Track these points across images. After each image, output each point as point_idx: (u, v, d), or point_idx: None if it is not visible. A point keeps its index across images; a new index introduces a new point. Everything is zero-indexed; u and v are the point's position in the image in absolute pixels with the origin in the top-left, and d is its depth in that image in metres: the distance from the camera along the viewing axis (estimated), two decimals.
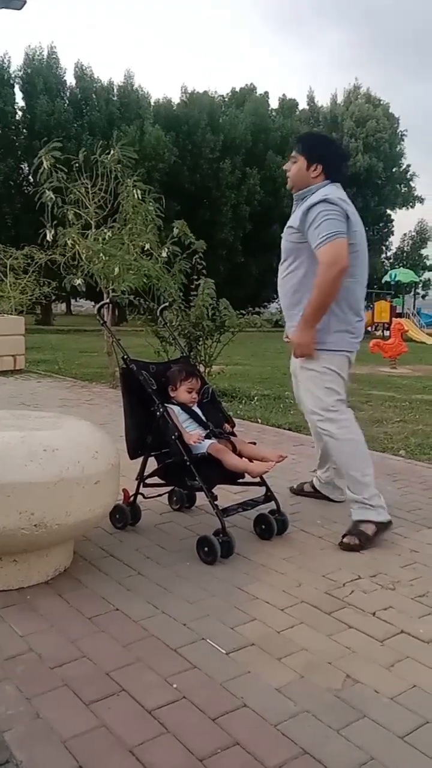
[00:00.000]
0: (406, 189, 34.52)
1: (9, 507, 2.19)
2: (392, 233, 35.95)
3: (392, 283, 26.10)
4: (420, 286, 33.41)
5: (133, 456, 3.02)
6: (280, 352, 13.94)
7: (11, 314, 10.08)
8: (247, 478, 2.97)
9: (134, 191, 7.40)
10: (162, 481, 3.06)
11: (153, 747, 1.57)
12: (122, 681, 1.83)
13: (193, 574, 2.55)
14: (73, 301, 33.20)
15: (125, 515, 3.01)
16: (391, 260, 35.96)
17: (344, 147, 3.43)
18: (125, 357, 3.02)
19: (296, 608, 2.30)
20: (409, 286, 28.99)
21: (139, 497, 3.05)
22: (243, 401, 6.79)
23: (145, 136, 24.76)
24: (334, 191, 2.95)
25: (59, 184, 7.30)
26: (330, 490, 3.52)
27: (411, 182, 34.64)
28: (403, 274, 26.35)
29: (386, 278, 26.79)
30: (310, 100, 34.23)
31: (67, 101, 25.48)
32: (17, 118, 25.46)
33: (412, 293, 31.53)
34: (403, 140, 33.76)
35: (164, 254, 7.41)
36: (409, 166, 34.36)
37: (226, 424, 3.09)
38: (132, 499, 3.03)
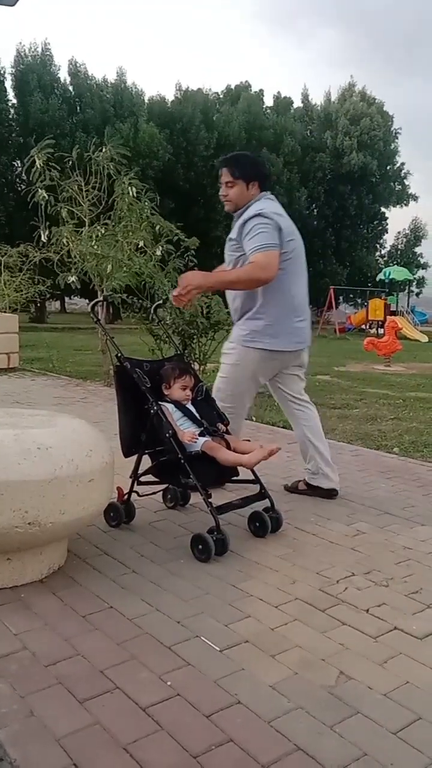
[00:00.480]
0: (400, 187, 34.55)
1: (2, 505, 2.18)
2: (386, 231, 36.00)
3: (386, 281, 26.12)
4: (414, 284, 33.45)
5: (127, 454, 3.02)
6: None
7: (5, 312, 10.05)
8: (242, 476, 2.98)
9: (129, 189, 7.38)
10: (156, 479, 3.06)
11: (147, 744, 1.57)
12: (116, 679, 1.83)
13: (187, 572, 2.55)
14: (67, 299, 33.13)
15: (119, 513, 3.01)
16: (385, 258, 36.00)
17: (261, 157, 3.94)
18: (119, 355, 3.02)
19: (290, 605, 2.30)
20: (403, 284, 29.00)
21: (134, 495, 3.05)
22: None
23: (140, 133, 24.71)
24: (269, 205, 3.27)
25: (52, 182, 7.28)
26: (321, 479, 3.56)
27: (405, 180, 34.68)
28: (398, 272, 26.36)
29: (380, 276, 26.81)
30: (305, 97, 34.19)
31: (60, 98, 25.38)
32: (10, 115, 25.35)
33: (406, 291, 31.55)
34: (397, 138, 33.78)
35: (158, 252, 7.41)
36: (403, 164, 34.40)
37: (220, 423, 3.09)
38: (126, 497, 3.03)
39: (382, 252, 36.56)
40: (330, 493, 3.52)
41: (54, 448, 2.31)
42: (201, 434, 2.92)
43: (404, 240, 36.38)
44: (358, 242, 33.21)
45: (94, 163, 7.49)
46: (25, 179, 23.32)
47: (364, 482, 3.93)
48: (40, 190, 7.21)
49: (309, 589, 2.44)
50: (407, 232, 36.38)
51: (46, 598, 2.31)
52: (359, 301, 32.05)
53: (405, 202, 34.78)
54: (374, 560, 2.73)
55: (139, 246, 7.33)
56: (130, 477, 3.03)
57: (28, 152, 7.74)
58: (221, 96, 30.66)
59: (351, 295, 32.81)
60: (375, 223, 34.99)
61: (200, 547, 2.66)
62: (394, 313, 22.58)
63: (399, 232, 36.81)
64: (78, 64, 26.62)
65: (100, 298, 3.51)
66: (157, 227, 7.50)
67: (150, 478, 3.04)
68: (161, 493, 3.29)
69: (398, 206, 34.92)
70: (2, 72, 25.11)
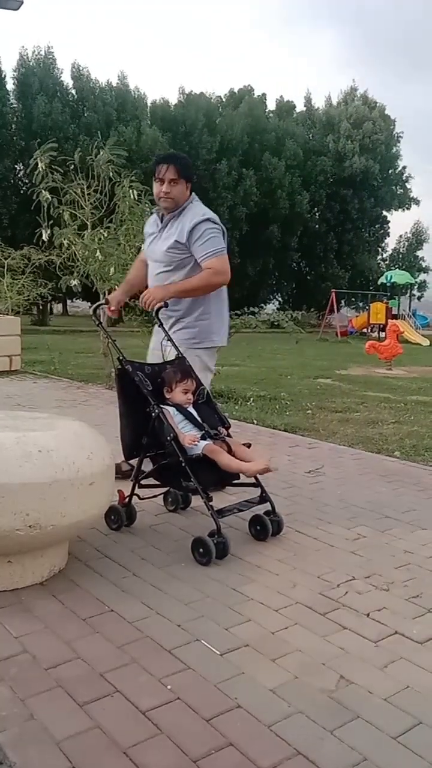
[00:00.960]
0: (402, 191, 34.57)
1: (3, 508, 2.19)
2: (388, 235, 36.00)
3: (388, 284, 26.11)
4: (416, 287, 33.45)
5: (128, 457, 3.03)
6: (276, 353, 13.97)
7: (7, 314, 10.07)
8: (243, 479, 2.98)
9: (130, 192, 7.40)
10: (157, 482, 3.06)
11: (147, 748, 1.57)
12: (116, 682, 1.83)
13: (188, 575, 2.55)
14: (69, 302, 33.17)
15: (120, 516, 3.01)
16: (386, 262, 35.99)
17: None
18: (121, 358, 3.02)
19: (290, 609, 2.30)
20: (404, 287, 29.00)
21: (135, 498, 3.05)
22: (239, 402, 6.80)
23: (142, 137, 24.75)
24: (207, 209, 3.41)
25: (55, 185, 7.30)
26: None
27: (407, 184, 34.70)
28: (399, 276, 26.36)
29: (382, 280, 26.79)
30: (307, 101, 34.23)
31: (63, 102, 25.43)
32: (13, 118, 25.41)
33: (408, 295, 31.55)
34: (399, 142, 33.81)
35: None
36: (405, 167, 34.41)
37: (221, 426, 3.08)
38: (127, 500, 3.03)
39: (384, 255, 36.57)
40: None
41: (55, 451, 2.32)
42: (202, 437, 2.91)
43: (406, 243, 36.38)
44: (359, 246, 33.22)
45: (95, 166, 7.52)
46: (27, 182, 23.41)
47: (365, 486, 3.93)
48: (43, 191, 7.23)
49: (309, 592, 2.44)
50: (409, 235, 36.40)
51: (47, 600, 2.31)
52: (361, 304, 32.06)
53: (407, 206, 34.80)
54: (375, 564, 2.73)
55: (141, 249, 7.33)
56: (131, 480, 3.03)
57: (30, 156, 7.76)
58: (224, 100, 30.70)
59: (353, 299, 32.83)
60: (377, 226, 35.00)
61: (201, 550, 2.66)
62: (395, 317, 22.56)
63: (401, 236, 36.83)
64: (81, 68, 26.69)
65: (103, 301, 3.51)
66: None
67: (151, 481, 3.04)
68: (162, 496, 3.29)
69: (400, 210, 34.94)
70: (6, 77, 25.19)
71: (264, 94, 31.17)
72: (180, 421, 2.96)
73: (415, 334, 21.75)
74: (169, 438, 2.80)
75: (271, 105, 31.62)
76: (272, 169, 28.28)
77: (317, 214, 31.89)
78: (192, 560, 2.68)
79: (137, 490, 3.04)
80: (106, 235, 7.35)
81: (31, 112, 24.52)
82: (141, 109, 27.29)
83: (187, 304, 3.37)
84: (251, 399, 7.01)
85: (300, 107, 33.36)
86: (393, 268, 32.62)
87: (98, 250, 7.10)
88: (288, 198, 28.58)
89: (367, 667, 1.96)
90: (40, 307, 22.90)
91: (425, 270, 36.05)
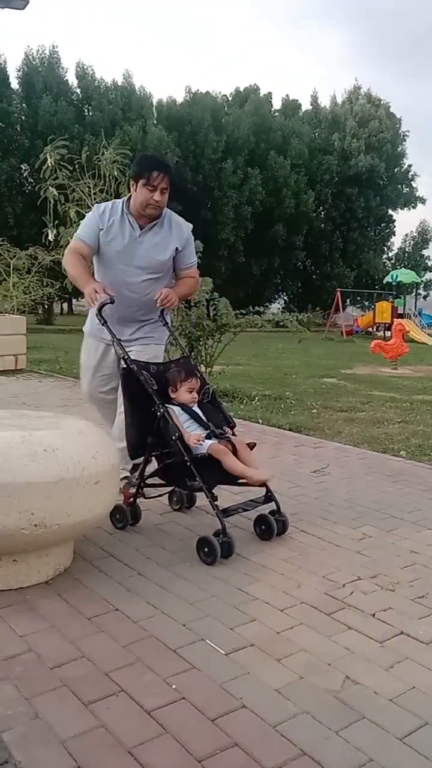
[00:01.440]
0: (407, 189, 34.48)
1: (9, 507, 2.19)
2: (394, 234, 35.93)
3: (393, 283, 26.05)
4: (421, 286, 33.36)
5: (133, 456, 3.02)
6: (282, 353, 13.95)
7: (13, 314, 10.09)
8: None
9: None
10: (162, 482, 3.05)
11: (152, 747, 1.57)
12: (121, 681, 1.83)
13: (193, 575, 2.55)
14: (74, 301, 33.24)
15: (125, 515, 3.01)
16: (392, 261, 35.91)
17: None
18: (125, 357, 3.02)
19: (296, 609, 2.30)
20: (410, 286, 28.94)
21: (139, 497, 3.05)
22: (244, 401, 6.79)
23: (148, 136, 24.77)
24: None
25: (62, 182, 7.31)
26: None
27: (413, 182, 34.61)
28: (405, 275, 26.29)
29: (387, 279, 26.73)
30: (314, 100, 34.18)
31: (68, 101, 25.46)
32: (19, 118, 25.46)
33: (414, 294, 31.48)
34: (404, 141, 33.72)
35: None
36: (410, 166, 34.33)
37: (226, 426, 3.08)
38: (132, 499, 3.03)
39: (390, 255, 36.50)
40: None
41: (60, 450, 2.32)
42: (207, 437, 2.91)
43: (411, 242, 36.31)
44: (365, 245, 33.16)
45: (101, 165, 7.52)
46: (32, 182, 23.45)
47: (371, 485, 3.92)
48: (51, 187, 7.24)
49: (315, 592, 2.43)
50: (415, 234, 36.33)
51: (52, 599, 2.31)
52: (366, 303, 32.02)
53: (413, 204, 34.72)
54: (380, 564, 2.72)
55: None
56: (136, 479, 3.03)
57: (36, 155, 7.79)
58: (229, 99, 30.68)
59: (358, 298, 32.79)
60: (382, 225, 34.93)
61: (206, 549, 2.66)
62: (401, 316, 22.50)
63: (406, 235, 36.77)
64: (85, 67, 26.73)
65: (107, 299, 3.51)
66: None
67: (156, 480, 3.04)
68: (167, 495, 3.29)
69: (406, 209, 34.86)
70: (14, 77, 25.26)
71: (270, 93, 31.16)
72: (185, 420, 2.96)
73: (421, 334, 21.70)
74: (174, 437, 2.79)
75: (276, 104, 31.59)
76: (278, 168, 28.25)
77: (323, 213, 31.85)
78: (197, 559, 2.67)
79: (142, 489, 3.03)
80: None
81: (36, 111, 24.58)
82: (146, 108, 27.32)
83: (153, 306, 3.34)
84: (256, 398, 7.01)
85: (305, 106, 33.33)
86: (399, 267, 32.57)
87: None
88: (293, 197, 28.54)
89: (373, 667, 1.96)
90: (46, 307, 22.94)
91: (431, 269, 35.95)
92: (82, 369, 3.62)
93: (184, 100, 28.39)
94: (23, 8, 9.36)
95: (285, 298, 34.47)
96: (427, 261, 35.93)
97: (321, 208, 31.53)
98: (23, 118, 25.61)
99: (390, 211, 34.60)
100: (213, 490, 2.80)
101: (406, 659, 2.00)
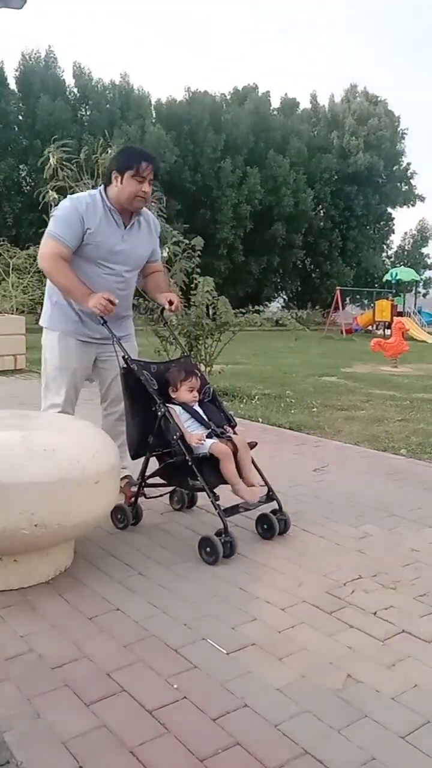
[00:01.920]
0: (407, 187, 34.42)
1: (9, 507, 2.19)
2: (393, 232, 35.84)
3: (393, 281, 26.01)
4: (421, 284, 33.33)
5: (134, 456, 3.01)
6: (282, 351, 13.94)
7: (13, 314, 10.08)
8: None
9: None
10: (164, 481, 3.05)
11: (153, 747, 1.57)
12: (123, 681, 1.83)
13: (194, 574, 2.55)
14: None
15: (127, 515, 3.00)
16: (392, 259, 35.86)
17: None
18: (126, 357, 3.01)
19: (297, 608, 2.29)
20: (410, 284, 28.88)
21: (141, 497, 3.04)
22: (244, 400, 6.79)
23: (146, 135, 24.73)
24: None
25: (64, 184, 7.31)
26: None
27: (412, 180, 34.55)
28: (404, 273, 26.25)
29: (387, 277, 26.68)
30: (313, 98, 34.11)
31: (66, 101, 25.43)
32: (17, 118, 25.43)
33: (413, 292, 31.43)
34: (403, 138, 33.66)
35: (165, 253, 7.41)
36: (409, 164, 34.25)
37: (227, 425, 3.07)
38: (134, 499, 3.03)
39: (389, 253, 36.42)
40: None
41: (60, 450, 2.32)
42: (208, 436, 2.91)
43: (411, 241, 36.24)
44: (364, 243, 33.10)
45: (100, 165, 7.52)
46: (31, 182, 23.42)
47: (372, 484, 3.91)
48: (50, 191, 7.24)
49: (316, 591, 2.43)
50: (414, 232, 36.27)
51: (53, 599, 2.31)
52: (366, 302, 31.96)
53: (412, 202, 34.66)
54: (382, 563, 2.72)
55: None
56: (138, 479, 3.03)
57: (34, 155, 7.80)
58: (228, 98, 30.64)
59: (357, 296, 32.72)
60: (381, 223, 34.87)
61: (208, 549, 2.66)
62: (400, 314, 22.48)
63: (406, 233, 36.67)
64: (82, 66, 26.68)
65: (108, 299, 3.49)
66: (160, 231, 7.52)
67: (158, 480, 3.03)
68: (168, 495, 3.28)
69: (405, 207, 34.81)
70: (11, 76, 25.21)
71: (268, 92, 31.09)
72: (186, 419, 2.95)
73: (421, 332, 21.67)
74: (175, 437, 2.79)
75: (275, 103, 31.54)
76: (277, 166, 28.20)
77: (322, 211, 31.80)
78: (198, 559, 2.67)
79: (143, 489, 3.03)
80: None
81: (34, 111, 24.53)
82: (145, 107, 27.27)
83: (130, 301, 3.39)
84: (256, 397, 7.00)
85: (304, 104, 33.26)
86: (398, 265, 32.51)
87: None
88: (292, 195, 28.49)
89: (375, 665, 1.95)
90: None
91: (430, 267, 35.90)
92: (56, 371, 3.25)
93: (183, 100, 28.36)
94: (21, 7, 9.33)
95: (284, 296, 34.42)
96: (426, 259, 35.87)
97: (320, 206, 31.48)
98: (21, 117, 25.55)
99: (389, 209, 34.53)
100: (215, 490, 2.79)
101: (407, 657, 2.00)
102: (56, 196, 7.30)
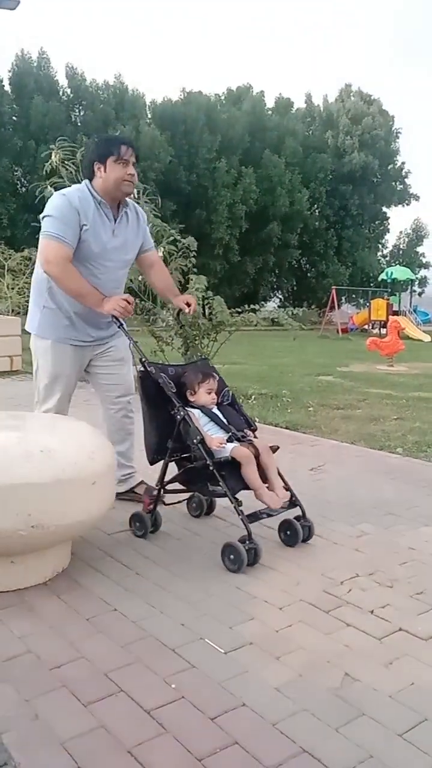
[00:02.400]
0: (401, 186, 34.48)
1: (6, 508, 2.18)
2: (388, 231, 35.88)
3: (388, 281, 26.06)
4: (416, 283, 33.38)
5: (153, 461, 2.92)
6: (278, 351, 13.94)
7: (8, 315, 10.07)
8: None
9: None
10: (183, 487, 2.96)
11: (152, 747, 1.57)
12: (121, 681, 1.83)
13: (192, 574, 2.55)
14: None
15: (145, 523, 2.91)
16: (387, 258, 35.91)
17: None
18: (143, 360, 2.92)
19: (294, 607, 2.30)
20: (405, 283, 28.92)
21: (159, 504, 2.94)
22: (240, 400, 6.78)
23: (141, 135, 24.72)
24: None
25: (65, 183, 7.30)
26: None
27: (406, 179, 34.60)
28: (400, 272, 26.28)
29: (382, 276, 26.73)
30: (308, 98, 34.15)
31: (60, 101, 25.40)
32: (13, 118, 25.39)
33: (409, 291, 31.47)
34: (398, 138, 33.72)
35: (160, 253, 7.41)
36: (404, 163, 34.30)
37: (247, 428, 2.99)
38: (152, 506, 2.93)
39: (384, 252, 36.47)
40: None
41: (57, 451, 2.32)
42: (228, 440, 2.83)
43: (406, 239, 36.29)
44: (359, 242, 33.15)
45: None
46: (26, 183, 23.38)
47: (368, 483, 3.92)
48: (49, 187, 7.24)
49: (313, 590, 2.43)
50: (409, 231, 36.32)
51: (50, 600, 2.31)
52: (361, 301, 31.98)
53: (407, 201, 34.72)
54: (378, 561, 2.72)
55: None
56: (156, 485, 2.94)
57: (28, 156, 7.79)
58: (223, 98, 30.64)
59: (353, 295, 32.74)
60: (376, 223, 34.92)
61: (231, 557, 2.56)
62: (396, 313, 22.51)
63: (401, 232, 36.71)
64: (75, 68, 26.65)
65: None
66: (156, 230, 7.51)
67: (175, 486, 2.95)
68: (185, 501, 3.20)
69: (400, 206, 34.86)
70: (4, 77, 25.18)
71: (262, 92, 31.11)
72: (205, 423, 2.87)
73: (417, 331, 21.71)
74: (195, 441, 2.70)
75: (269, 103, 31.56)
76: (272, 166, 28.22)
77: (317, 211, 31.82)
78: (195, 559, 2.67)
79: (162, 496, 2.94)
80: None
81: (28, 112, 24.49)
82: (139, 108, 27.25)
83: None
84: (253, 397, 7.01)
85: (299, 104, 33.29)
86: (393, 264, 32.56)
87: None
88: (288, 195, 28.51)
89: (372, 664, 1.96)
90: None
91: (426, 266, 35.96)
92: (50, 379, 3.15)
93: (178, 100, 28.35)
94: (14, 8, 9.33)
95: (280, 296, 34.44)
96: (421, 258, 35.92)
97: (315, 206, 31.49)
98: (15, 118, 25.50)
99: (384, 209, 34.58)
100: (236, 495, 2.67)
101: (405, 655, 2.01)
102: (54, 191, 7.30)
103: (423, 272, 35.67)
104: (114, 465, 2.60)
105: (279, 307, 29.45)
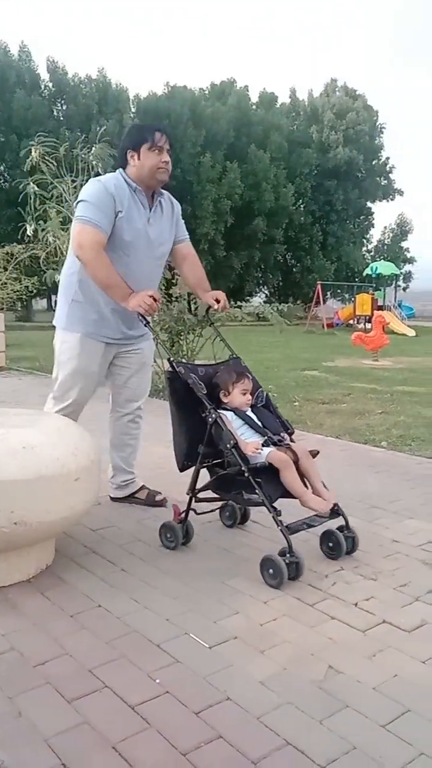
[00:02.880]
0: (386, 182, 34.65)
1: None
2: (373, 226, 36.11)
3: (373, 275, 26.17)
4: (401, 278, 33.57)
5: (182, 468, 2.77)
6: (263, 346, 13.96)
7: None
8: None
9: None
10: (215, 495, 2.79)
11: (136, 742, 1.57)
12: (105, 677, 1.82)
13: (176, 569, 2.55)
14: (53, 297, 32.94)
15: (176, 534, 2.73)
16: (372, 253, 36.10)
17: None
18: (171, 359, 2.77)
19: (278, 600, 2.30)
20: (390, 278, 29.08)
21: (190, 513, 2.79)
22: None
23: (124, 130, 24.64)
24: None
25: (46, 179, 7.24)
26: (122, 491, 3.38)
27: (390, 175, 34.77)
28: (384, 267, 26.39)
29: (367, 271, 26.83)
30: (293, 93, 34.15)
31: (42, 96, 25.19)
32: None
33: (393, 286, 31.66)
34: (382, 133, 33.85)
35: None
36: (388, 158, 34.47)
37: (284, 432, 2.81)
38: (183, 515, 2.76)
39: (369, 247, 36.66)
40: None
41: (39, 448, 2.30)
42: (264, 444, 2.65)
43: (390, 235, 36.51)
44: (344, 237, 33.28)
45: (80, 160, 7.45)
46: (9, 178, 23.18)
47: (353, 476, 3.94)
48: (31, 182, 7.17)
49: (297, 584, 2.44)
50: (393, 226, 36.52)
51: (34, 597, 2.29)
52: (347, 296, 32.13)
53: (391, 196, 34.90)
54: (363, 554, 2.74)
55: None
56: (188, 493, 2.77)
57: (11, 150, 7.71)
58: (207, 93, 30.54)
59: (338, 290, 32.89)
60: (361, 218, 35.08)
61: (271, 571, 2.41)
62: (381, 308, 22.61)
63: (385, 227, 36.94)
64: (56, 61, 26.44)
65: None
66: None
67: (207, 494, 2.80)
68: (218, 510, 3.03)
69: (384, 201, 35.02)
70: None
71: (246, 86, 31.05)
72: (239, 426, 2.70)
73: (401, 325, 21.82)
74: (229, 446, 2.54)
75: (253, 97, 31.50)
76: (257, 161, 28.22)
77: (302, 206, 31.89)
78: (179, 555, 2.67)
79: (193, 505, 2.77)
80: None
81: (10, 106, 24.27)
82: (123, 102, 27.11)
83: None
84: None
85: (283, 99, 33.28)
86: (378, 259, 32.72)
87: None
88: (273, 190, 28.53)
89: (356, 656, 1.97)
90: (24, 303, 22.71)
91: (410, 261, 36.19)
92: (72, 374, 3.06)
93: (162, 94, 28.22)
94: None
95: (266, 291, 34.51)
96: (406, 253, 36.16)
97: (300, 201, 31.57)
98: None
99: (369, 204, 34.74)
100: (275, 504, 2.49)
101: (388, 647, 2.02)
102: (36, 188, 7.23)
103: (407, 267, 35.91)
104: (98, 460, 2.58)
105: (265, 302, 29.47)
